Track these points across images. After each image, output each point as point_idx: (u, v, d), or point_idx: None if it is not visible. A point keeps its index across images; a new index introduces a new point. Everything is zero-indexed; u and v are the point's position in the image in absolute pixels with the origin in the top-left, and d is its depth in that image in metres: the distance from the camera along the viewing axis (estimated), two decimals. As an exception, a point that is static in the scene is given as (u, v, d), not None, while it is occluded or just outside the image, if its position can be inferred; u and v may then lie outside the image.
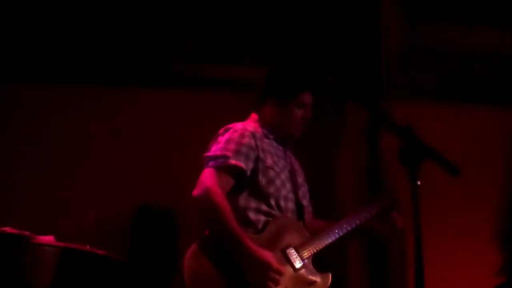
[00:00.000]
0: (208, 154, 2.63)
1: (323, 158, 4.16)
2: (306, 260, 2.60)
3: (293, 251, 2.59)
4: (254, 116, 2.87)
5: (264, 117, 2.83)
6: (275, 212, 2.64)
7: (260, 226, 2.60)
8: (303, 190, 2.86)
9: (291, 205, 2.72)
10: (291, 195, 2.74)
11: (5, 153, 3.92)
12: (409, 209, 2.08)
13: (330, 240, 2.71)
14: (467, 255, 4.00)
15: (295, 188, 2.78)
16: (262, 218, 2.61)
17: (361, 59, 4.26)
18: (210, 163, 2.58)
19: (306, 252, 2.62)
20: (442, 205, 3.88)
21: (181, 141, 3.96)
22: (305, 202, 2.84)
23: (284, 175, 2.73)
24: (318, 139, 3.90)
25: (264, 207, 2.62)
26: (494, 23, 4.28)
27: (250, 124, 2.78)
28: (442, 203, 3.88)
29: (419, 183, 2.02)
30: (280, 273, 2.45)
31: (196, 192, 2.50)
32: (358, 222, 2.83)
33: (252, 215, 2.60)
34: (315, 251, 2.64)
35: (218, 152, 2.59)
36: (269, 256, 2.45)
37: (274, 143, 2.79)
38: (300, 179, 2.88)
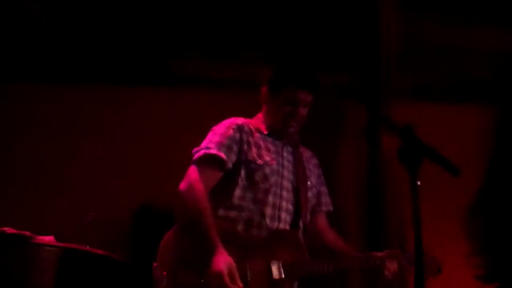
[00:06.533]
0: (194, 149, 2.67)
1: (323, 158, 4.15)
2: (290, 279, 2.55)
3: (277, 266, 2.52)
4: (259, 115, 2.89)
5: (262, 112, 2.86)
6: (255, 206, 2.61)
7: (242, 222, 2.58)
8: (313, 191, 2.85)
9: (277, 200, 2.68)
10: (278, 190, 2.69)
11: (5, 153, 3.92)
12: (409, 209, 2.08)
13: (324, 271, 2.60)
14: (467, 255, 4.00)
15: (292, 185, 2.76)
16: (243, 214, 2.60)
17: (361, 59, 4.27)
18: (194, 157, 2.62)
19: (292, 273, 2.55)
20: (442, 205, 3.88)
21: (180, 141, 3.95)
22: (310, 203, 2.82)
23: (269, 169, 2.68)
24: (318, 139, 3.90)
25: (243, 202, 2.61)
26: (494, 23, 4.28)
27: (246, 120, 2.79)
28: (442, 203, 3.88)
29: (419, 183, 2.02)
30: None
31: (181, 186, 2.57)
32: (364, 265, 2.73)
33: (232, 212, 2.60)
34: (302, 274, 2.58)
35: (202, 145, 2.64)
36: (225, 268, 2.35)
37: (269, 138, 2.79)
38: (312, 179, 2.87)
